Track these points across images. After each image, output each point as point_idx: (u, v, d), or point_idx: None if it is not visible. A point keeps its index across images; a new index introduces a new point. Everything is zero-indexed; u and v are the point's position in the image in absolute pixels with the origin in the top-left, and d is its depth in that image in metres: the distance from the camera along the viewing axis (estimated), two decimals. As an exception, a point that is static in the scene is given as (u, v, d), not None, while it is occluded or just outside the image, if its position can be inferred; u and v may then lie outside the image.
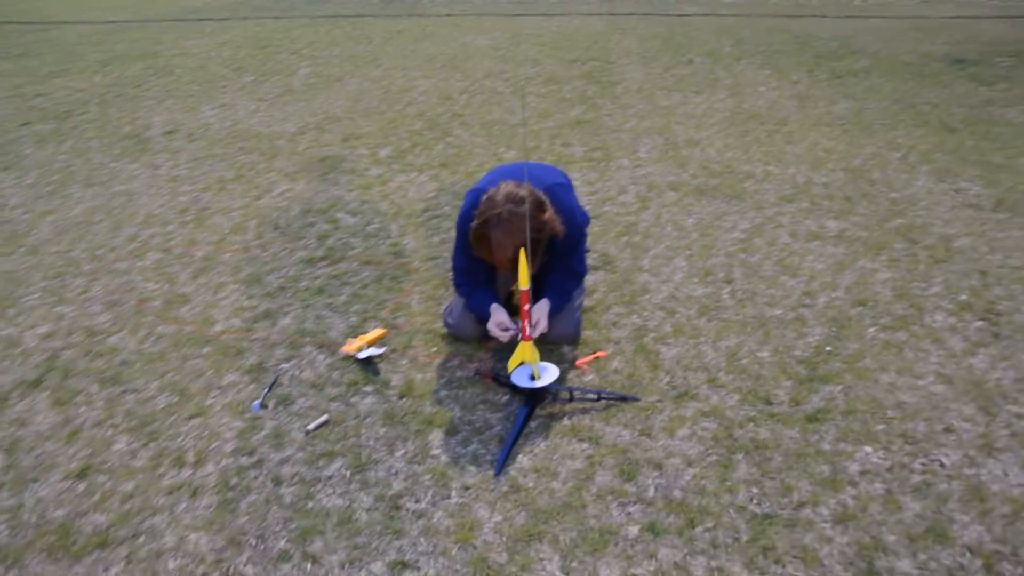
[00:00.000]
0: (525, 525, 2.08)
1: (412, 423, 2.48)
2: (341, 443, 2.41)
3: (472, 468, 2.29)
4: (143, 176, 4.76)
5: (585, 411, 2.49)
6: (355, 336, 2.91)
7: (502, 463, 2.26)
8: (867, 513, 2.07)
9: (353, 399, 2.61)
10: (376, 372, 2.73)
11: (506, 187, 2.42)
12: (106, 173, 4.83)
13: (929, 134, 4.99)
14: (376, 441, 2.41)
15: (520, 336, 2.43)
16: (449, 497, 2.19)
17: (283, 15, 10.29)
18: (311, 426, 2.46)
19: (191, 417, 2.56)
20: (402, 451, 2.37)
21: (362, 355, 2.76)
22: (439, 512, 2.14)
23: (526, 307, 2.34)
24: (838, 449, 2.30)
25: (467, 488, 2.21)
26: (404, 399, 2.60)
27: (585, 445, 2.35)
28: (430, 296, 3.22)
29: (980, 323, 2.89)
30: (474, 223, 2.44)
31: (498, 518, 2.10)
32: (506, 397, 2.59)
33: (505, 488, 2.20)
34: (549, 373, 2.44)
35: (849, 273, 3.28)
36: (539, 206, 2.41)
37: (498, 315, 2.62)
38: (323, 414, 2.52)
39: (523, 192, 2.39)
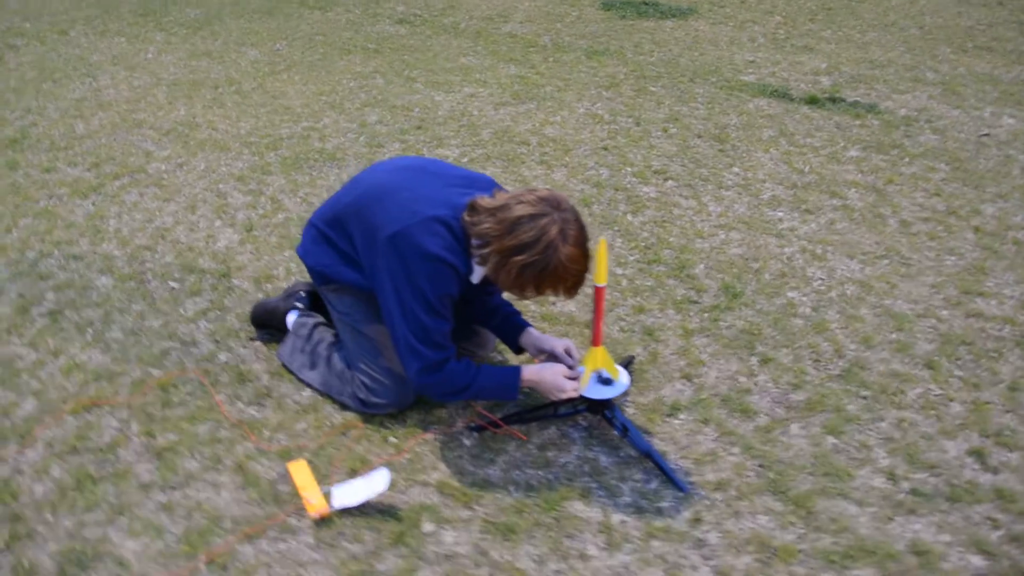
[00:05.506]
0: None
1: (540, 515, 1.81)
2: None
3: (668, 505, 1.85)
4: None
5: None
6: (283, 491, 1.89)
7: (677, 477, 1.90)
8: (865, 342, 2.46)
9: (432, 548, 1.74)
10: (391, 510, 1.86)
11: (527, 196, 1.76)
12: None
13: (390, 69, 5.10)
14: (548, 559, 1.72)
15: (592, 342, 1.96)
16: (736, 539, 1.76)
17: None
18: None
19: None
20: (596, 546, 1.75)
21: (355, 502, 1.81)
22: (730, 557, 1.72)
23: (603, 306, 1.89)
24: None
25: (697, 519, 1.81)
26: (475, 506, 1.85)
27: (712, 431, 2.10)
28: (267, 388, 2.22)
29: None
30: (524, 258, 1.74)
31: (790, 536, 1.78)
32: (553, 428, 2.09)
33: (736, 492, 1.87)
34: (622, 371, 2.04)
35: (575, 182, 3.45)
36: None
37: (548, 369, 1.96)
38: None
39: (552, 194, 1.82)
